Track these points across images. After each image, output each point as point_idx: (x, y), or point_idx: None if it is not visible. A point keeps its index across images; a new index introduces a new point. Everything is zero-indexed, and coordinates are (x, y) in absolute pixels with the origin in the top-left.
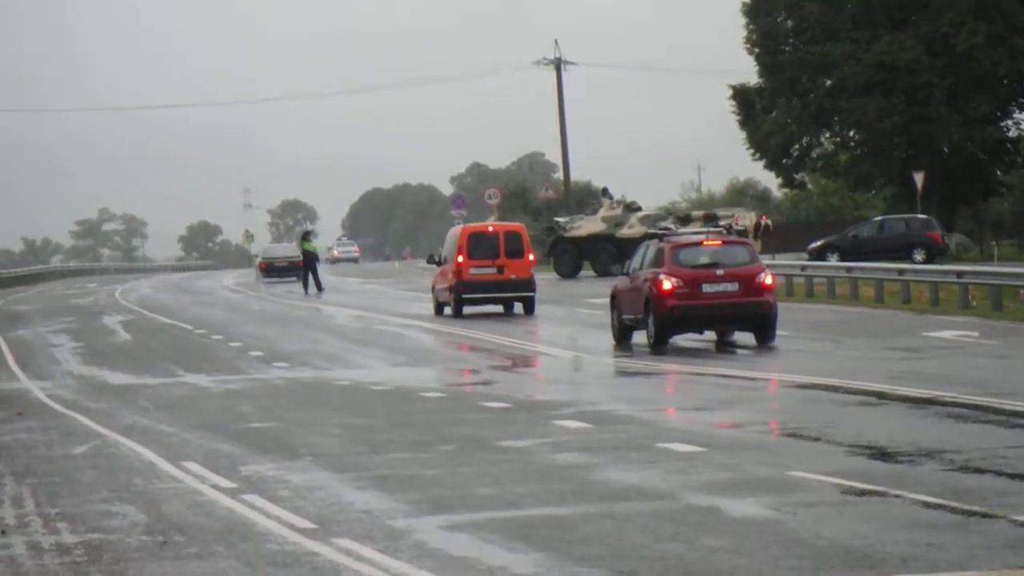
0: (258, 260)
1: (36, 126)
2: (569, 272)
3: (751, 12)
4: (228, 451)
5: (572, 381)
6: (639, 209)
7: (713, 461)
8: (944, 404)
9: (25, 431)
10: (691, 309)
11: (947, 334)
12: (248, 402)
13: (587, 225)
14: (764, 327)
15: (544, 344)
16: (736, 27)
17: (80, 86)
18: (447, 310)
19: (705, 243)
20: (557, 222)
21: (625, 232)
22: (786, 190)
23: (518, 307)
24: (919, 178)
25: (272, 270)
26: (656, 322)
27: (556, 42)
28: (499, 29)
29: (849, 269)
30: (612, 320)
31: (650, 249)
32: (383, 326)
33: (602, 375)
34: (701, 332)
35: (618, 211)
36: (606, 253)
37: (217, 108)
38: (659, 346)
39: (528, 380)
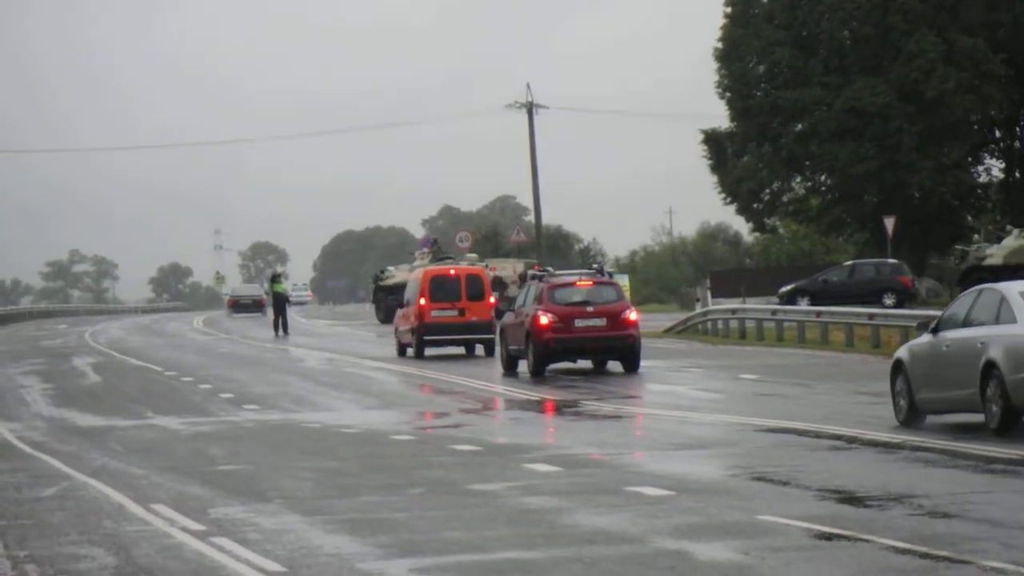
0: (227, 298)
1: (6, 167)
2: (384, 319)
3: (723, 57)
4: (198, 494)
5: (539, 423)
6: (449, 259)
7: (682, 505)
8: (913, 448)
9: None
10: (565, 341)
11: None
12: (218, 445)
13: (399, 275)
14: (629, 357)
15: (503, 385)
16: (708, 71)
17: (51, 128)
18: (409, 351)
19: (578, 283)
20: (380, 273)
21: None
22: (757, 234)
23: (479, 349)
24: (890, 223)
25: (239, 306)
26: (535, 352)
27: (528, 85)
28: (472, 72)
29: (819, 313)
30: (500, 351)
31: (531, 288)
32: (352, 368)
33: (566, 418)
34: (574, 361)
35: (425, 261)
36: None
37: (187, 150)
38: (538, 374)
39: (495, 423)
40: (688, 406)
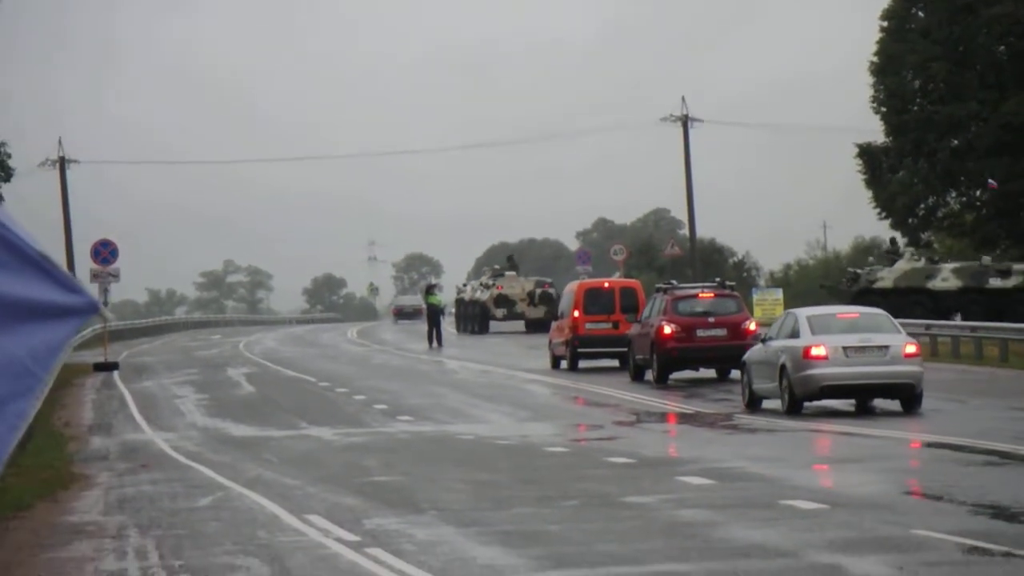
0: (392, 307)
1: (162, 178)
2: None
3: (878, 71)
4: (352, 504)
5: (692, 436)
6: (509, 273)
7: (835, 519)
8: None
9: (149, 483)
10: (687, 351)
11: None
12: (372, 456)
13: (469, 291)
14: None
15: (660, 399)
16: (863, 86)
17: (205, 139)
18: (563, 364)
19: (700, 295)
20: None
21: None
22: (911, 249)
23: None
24: None
25: (403, 314)
26: (659, 361)
27: (683, 99)
28: (627, 84)
29: (974, 329)
30: (629, 361)
31: (656, 300)
32: (506, 380)
33: (719, 431)
34: (697, 369)
35: (485, 279)
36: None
37: (342, 161)
38: (661, 382)
39: (651, 436)
40: (841, 421)
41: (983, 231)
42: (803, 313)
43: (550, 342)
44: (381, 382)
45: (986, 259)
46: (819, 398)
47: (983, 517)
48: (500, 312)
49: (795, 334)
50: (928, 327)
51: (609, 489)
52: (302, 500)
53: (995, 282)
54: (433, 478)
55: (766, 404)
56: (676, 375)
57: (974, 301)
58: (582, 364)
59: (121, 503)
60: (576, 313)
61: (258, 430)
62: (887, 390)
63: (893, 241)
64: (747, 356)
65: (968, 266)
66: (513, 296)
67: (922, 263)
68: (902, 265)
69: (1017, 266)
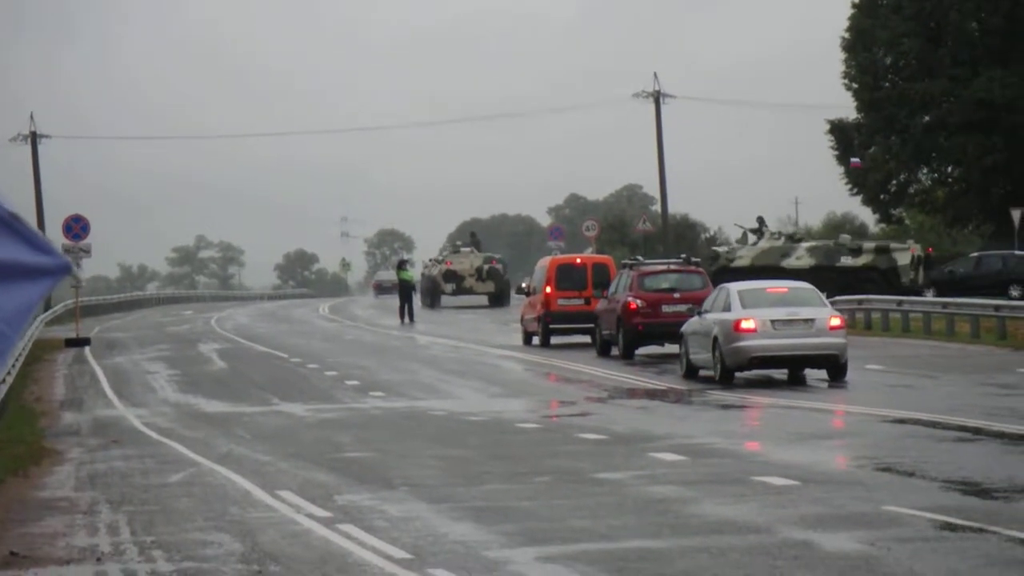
0: (372, 282)
1: (133, 154)
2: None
3: (849, 47)
4: (323, 481)
5: (664, 412)
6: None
7: (808, 495)
8: None
9: (121, 459)
10: (652, 326)
11: None
12: (344, 432)
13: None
14: None
15: (631, 375)
16: (836, 63)
17: (180, 114)
18: (535, 340)
19: (666, 271)
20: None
21: None
22: (883, 226)
23: None
24: (1017, 215)
25: (382, 289)
26: (624, 336)
27: (655, 75)
28: (598, 61)
29: (945, 305)
30: (594, 336)
31: (623, 276)
32: (477, 356)
33: (691, 407)
34: (662, 344)
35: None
36: None
37: (313, 137)
38: (627, 357)
39: (623, 412)
40: (813, 396)
41: (955, 207)
42: (735, 288)
43: (522, 318)
44: (353, 358)
45: (845, 237)
46: (749, 368)
47: (955, 493)
48: (449, 287)
49: (727, 308)
50: (900, 303)
51: (581, 465)
52: (274, 476)
53: (846, 260)
54: (405, 454)
55: (702, 373)
56: (642, 350)
57: (826, 279)
58: (554, 340)
59: (93, 479)
60: (548, 289)
61: (230, 406)
62: (813, 360)
63: (761, 220)
64: (684, 328)
65: (822, 245)
66: (462, 272)
67: (781, 242)
68: (762, 244)
69: (867, 244)
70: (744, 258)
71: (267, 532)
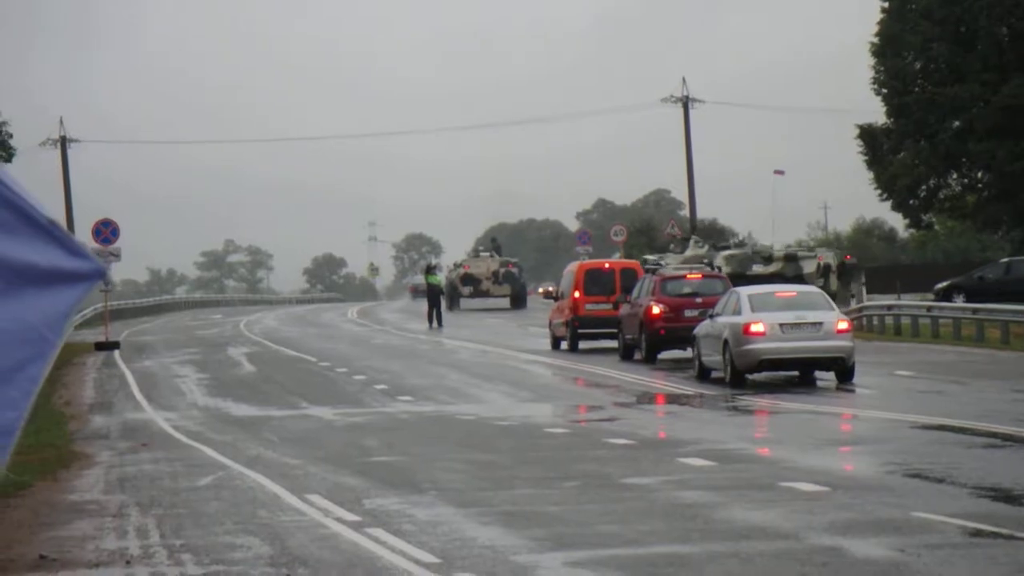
0: (408, 285)
1: (162, 157)
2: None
3: (879, 52)
4: (352, 484)
5: (693, 417)
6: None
7: (837, 501)
8: None
9: (150, 462)
10: (674, 330)
11: None
12: (372, 436)
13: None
14: None
15: (662, 380)
16: (865, 67)
17: (209, 119)
18: (563, 344)
19: (688, 276)
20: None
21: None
22: (913, 231)
23: None
24: None
25: (418, 293)
26: (647, 340)
27: (684, 79)
28: (629, 65)
29: (975, 310)
30: (618, 340)
31: (645, 281)
32: (505, 360)
33: (720, 412)
34: (684, 349)
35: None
36: None
37: (344, 141)
38: (650, 361)
39: (651, 417)
40: (843, 402)
41: (984, 213)
42: (744, 292)
43: (550, 323)
44: (381, 362)
45: (762, 245)
46: (758, 370)
47: (985, 500)
48: (467, 290)
49: (737, 311)
50: (929, 309)
51: (610, 470)
52: (303, 480)
53: (757, 268)
54: (433, 458)
55: (714, 375)
56: (665, 354)
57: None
58: (582, 345)
59: (122, 482)
60: (576, 294)
61: (259, 410)
62: (821, 363)
63: (694, 228)
64: (697, 330)
65: (738, 253)
66: (478, 275)
67: (704, 250)
68: (688, 253)
69: (778, 252)
70: (670, 266)
71: (296, 536)
